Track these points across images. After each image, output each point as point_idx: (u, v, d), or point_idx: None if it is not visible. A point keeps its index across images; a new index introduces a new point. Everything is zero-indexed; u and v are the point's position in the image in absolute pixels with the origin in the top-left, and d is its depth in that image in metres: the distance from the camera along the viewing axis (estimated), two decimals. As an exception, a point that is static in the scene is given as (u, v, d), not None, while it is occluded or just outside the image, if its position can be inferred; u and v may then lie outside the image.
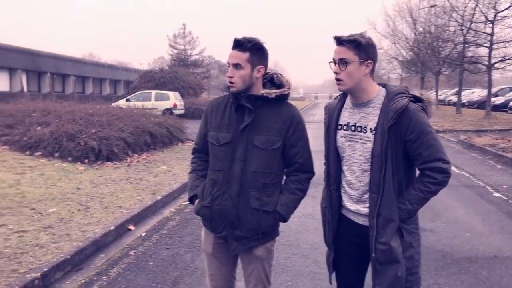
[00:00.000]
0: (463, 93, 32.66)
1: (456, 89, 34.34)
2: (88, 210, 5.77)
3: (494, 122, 20.93)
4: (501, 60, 22.63)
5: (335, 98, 2.50)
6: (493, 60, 22.63)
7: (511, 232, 5.50)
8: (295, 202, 2.51)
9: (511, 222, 5.94)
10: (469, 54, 27.00)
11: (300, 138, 2.47)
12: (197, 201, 2.54)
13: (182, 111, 24.38)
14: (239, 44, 2.35)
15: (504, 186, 8.06)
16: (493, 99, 26.96)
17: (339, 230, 2.44)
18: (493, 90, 29.53)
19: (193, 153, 2.72)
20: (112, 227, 5.19)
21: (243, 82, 2.36)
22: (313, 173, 2.56)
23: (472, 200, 7.02)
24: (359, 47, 2.16)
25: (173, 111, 22.98)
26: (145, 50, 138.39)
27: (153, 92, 25.73)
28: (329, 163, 2.43)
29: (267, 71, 2.50)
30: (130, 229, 5.51)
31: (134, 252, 4.80)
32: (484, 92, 30.19)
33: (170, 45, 51.11)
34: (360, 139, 2.26)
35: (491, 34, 22.21)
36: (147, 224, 5.82)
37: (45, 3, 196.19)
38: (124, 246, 5.01)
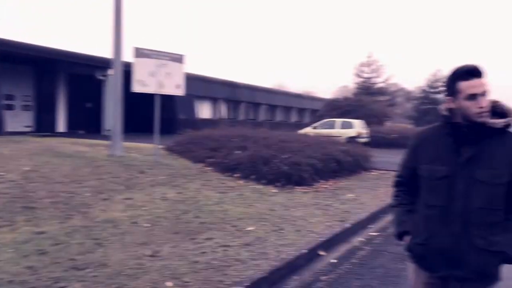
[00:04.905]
0: None
1: None
2: (281, 231, 6.01)
3: None
4: None
5: None
6: None
7: None
8: None
9: None
10: None
11: None
12: (408, 237, 2.42)
13: (367, 140, 24.08)
14: (480, 72, 2.21)
15: None
16: None
17: None
18: None
19: (396, 186, 2.62)
20: (305, 251, 5.31)
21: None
22: None
23: None
24: None
25: (357, 139, 22.86)
26: (329, 80, 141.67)
27: (338, 120, 26.04)
28: None
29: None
30: (321, 255, 5.56)
31: (326, 278, 4.81)
32: None
33: (356, 74, 51.33)
34: None
35: None
36: (336, 251, 5.81)
37: (241, 43, 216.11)
38: (316, 271, 5.06)
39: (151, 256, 4.75)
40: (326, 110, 33.58)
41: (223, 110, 34.63)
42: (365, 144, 20.70)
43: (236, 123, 26.45)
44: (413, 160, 2.44)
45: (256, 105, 39.52)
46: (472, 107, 2.18)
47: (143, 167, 9.41)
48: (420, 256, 2.37)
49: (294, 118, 44.98)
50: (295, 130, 23.22)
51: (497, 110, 2.27)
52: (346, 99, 36.19)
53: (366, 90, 49.14)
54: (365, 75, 51.31)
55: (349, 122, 25.46)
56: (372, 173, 12.58)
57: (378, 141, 23.96)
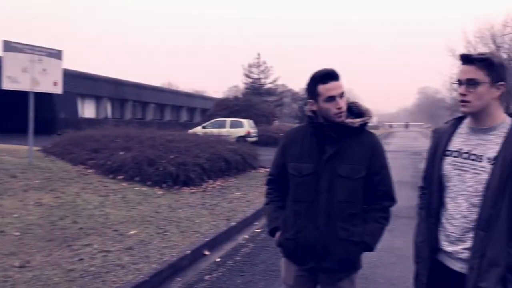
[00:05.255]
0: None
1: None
2: (166, 233, 5.94)
3: None
4: None
5: (446, 122, 2.31)
6: None
7: None
8: (381, 231, 2.46)
9: None
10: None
11: (383, 165, 2.46)
12: (279, 233, 2.53)
13: (256, 139, 24.73)
14: (337, 75, 2.39)
15: None
16: None
17: (433, 273, 2.17)
18: None
19: (267, 184, 2.72)
20: (188, 251, 5.30)
21: None
22: (395, 201, 2.51)
23: None
24: (491, 67, 1.98)
25: (247, 138, 23.38)
26: (220, 79, 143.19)
27: (228, 119, 26.38)
28: (430, 192, 2.21)
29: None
30: (205, 254, 5.59)
31: (209, 277, 4.85)
32: None
33: (245, 74, 52.38)
34: (473, 168, 2.02)
35: None
36: (221, 250, 5.88)
37: (128, 38, 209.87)
38: (200, 270, 5.08)
39: (20, 267, 4.41)
40: (216, 110, 33.81)
41: (108, 109, 33.25)
42: (254, 143, 21.25)
43: (122, 122, 25.53)
44: (282, 158, 2.56)
45: (143, 104, 38.55)
46: (331, 108, 2.35)
47: (15, 171, 8.69)
48: (290, 250, 2.49)
49: (184, 117, 44.64)
50: (185, 129, 23.07)
51: (354, 110, 2.47)
52: (236, 98, 36.78)
53: (255, 90, 50.41)
54: (254, 76, 52.60)
55: (238, 121, 25.91)
56: (260, 171, 12.92)
57: (266, 140, 24.69)
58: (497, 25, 31.19)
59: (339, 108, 2.34)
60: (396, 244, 5.80)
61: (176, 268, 4.93)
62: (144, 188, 8.81)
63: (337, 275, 2.43)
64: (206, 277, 4.86)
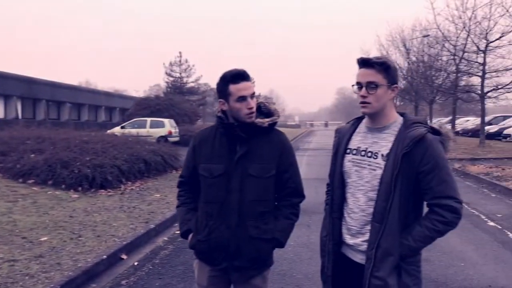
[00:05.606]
0: (457, 121, 33.01)
1: (450, 118, 34.67)
2: (80, 238, 5.73)
3: (488, 151, 20.97)
4: (494, 89, 22.89)
5: (348, 122, 2.46)
6: (485, 89, 22.81)
7: (505, 262, 5.49)
8: (291, 227, 2.55)
9: (505, 251, 5.93)
10: (462, 83, 27.48)
11: (292, 163, 2.55)
12: (191, 235, 2.54)
13: (177, 139, 24.45)
14: (248, 75, 2.43)
15: (499, 215, 8.07)
16: (487, 128, 26.97)
17: (337, 265, 2.29)
18: (487, 118, 29.71)
19: (179, 186, 2.72)
20: (104, 256, 5.14)
21: None
22: (304, 197, 2.61)
23: (466, 229, 7.01)
24: (388, 70, 2.12)
25: (168, 138, 23.06)
26: (141, 78, 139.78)
27: (148, 119, 25.83)
28: (333, 188, 2.33)
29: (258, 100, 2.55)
30: (123, 258, 5.46)
31: (126, 282, 4.74)
32: (478, 120, 30.44)
33: (166, 73, 51.50)
34: (369, 165, 2.17)
35: (483, 64, 22.50)
36: (139, 253, 5.77)
37: (42, 33, 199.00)
38: (116, 275, 4.95)
39: None
40: (136, 109, 32.92)
41: (19, 109, 31.29)
42: (175, 143, 20.99)
43: (35, 123, 24.15)
44: (193, 160, 2.57)
45: (58, 104, 36.70)
46: (242, 109, 2.39)
47: None
48: (203, 252, 2.51)
49: (102, 117, 43.08)
50: (103, 130, 22.27)
51: (263, 110, 2.54)
52: (157, 98, 36.09)
53: (178, 89, 49.76)
54: (176, 75, 51.90)
55: (159, 121, 25.45)
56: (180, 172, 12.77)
57: (188, 140, 24.32)
58: (406, 29, 33.15)
59: (250, 108, 2.40)
60: (312, 239, 6.00)
61: (90, 274, 4.77)
62: (58, 192, 8.42)
63: (249, 272, 2.48)
64: (123, 282, 4.75)
